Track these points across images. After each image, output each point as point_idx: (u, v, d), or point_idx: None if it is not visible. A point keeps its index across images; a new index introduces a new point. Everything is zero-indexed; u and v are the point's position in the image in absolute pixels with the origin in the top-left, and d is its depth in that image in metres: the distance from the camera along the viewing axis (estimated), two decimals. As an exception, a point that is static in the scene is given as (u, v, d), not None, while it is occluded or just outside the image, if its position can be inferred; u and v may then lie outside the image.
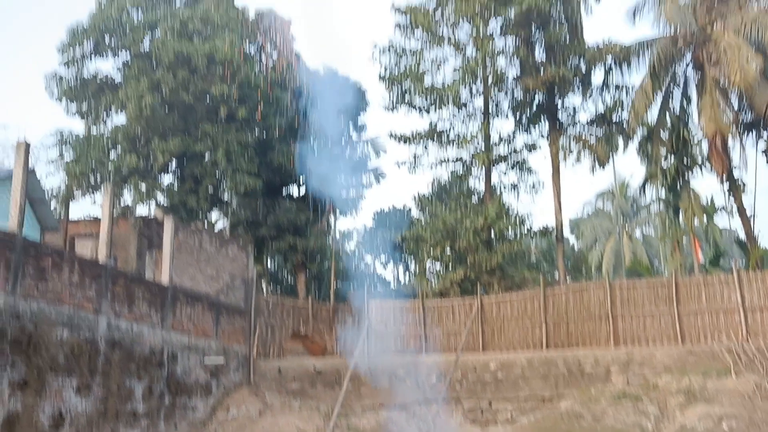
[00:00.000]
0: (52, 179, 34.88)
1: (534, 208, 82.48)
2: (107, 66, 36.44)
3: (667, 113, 30.41)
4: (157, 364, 17.53)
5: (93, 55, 35.56)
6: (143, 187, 33.52)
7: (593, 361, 22.14)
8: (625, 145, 32.80)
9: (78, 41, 34.87)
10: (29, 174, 16.34)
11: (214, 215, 38.14)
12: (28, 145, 15.22)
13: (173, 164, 35.20)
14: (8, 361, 12.38)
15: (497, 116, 33.73)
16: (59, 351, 13.77)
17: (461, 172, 34.01)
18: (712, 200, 33.68)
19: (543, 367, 22.70)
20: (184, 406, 18.71)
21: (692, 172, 30.68)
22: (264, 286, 39.05)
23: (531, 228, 31.87)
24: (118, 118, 35.61)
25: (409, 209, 42.93)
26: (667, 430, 18.21)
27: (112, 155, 34.15)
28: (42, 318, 13.37)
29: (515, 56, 32.60)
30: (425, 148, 33.81)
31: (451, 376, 23.12)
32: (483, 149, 32.43)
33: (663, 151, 30.67)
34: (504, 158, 33.42)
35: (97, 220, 31.42)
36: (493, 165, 33.01)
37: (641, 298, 23.56)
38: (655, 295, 23.37)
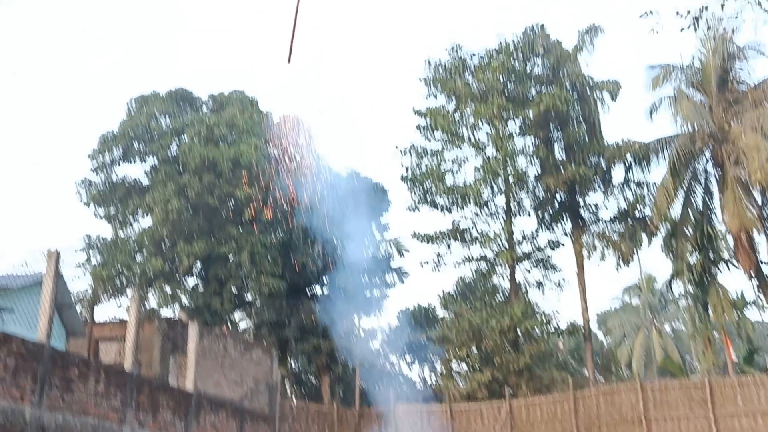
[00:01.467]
0: (79, 283, 35.24)
1: (560, 305, 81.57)
2: (135, 170, 37.54)
3: (690, 209, 30.30)
4: (180, 476, 17.17)
5: (122, 161, 36.57)
6: (168, 289, 33.75)
7: (628, 468, 21.38)
8: (650, 241, 32.63)
9: (108, 148, 35.95)
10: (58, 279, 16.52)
11: (238, 315, 38.15)
12: (58, 255, 15.47)
13: (198, 266, 35.49)
14: (32, 477, 12.21)
15: (519, 214, 33.87)
16: (83, 464, 13.57)
17: (485, 271, 33.90)
18: (742, 295, 33.12)
19: (576, 474, 21.93)
20: None
21: (719, 268, 30.29)
22: (288, 389, 38.54)
23: (558, 326, 31.42)
24: (145, 222, 36.28)
25: (434, 308, 42.64)
26: None
27: (138, 258, 34.57)
28: (67, 430, 13.24)
29: (535, 155, 33.02)
30: (448, 247, 33.82)
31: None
32: (506, 247, 32.40)
33: (688, 246, 30.40)
34: (528, 256, 33.32)
35: (122, 323, 31.49)
36: (517, 263, 32.88)
37: (675, 400, 22.89)
38: (689, 396, 22.71)
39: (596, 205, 33.51)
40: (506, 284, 33.54)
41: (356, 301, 35.16)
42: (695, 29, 18.84)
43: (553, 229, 33.91)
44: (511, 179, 32.61)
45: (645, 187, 32.45)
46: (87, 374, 14.24)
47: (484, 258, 33.57)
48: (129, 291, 33.09)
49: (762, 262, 28.75)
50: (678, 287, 33.89)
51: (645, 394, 23.34)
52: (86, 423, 13.87)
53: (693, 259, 30.31)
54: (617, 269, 32.48)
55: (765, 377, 21.85)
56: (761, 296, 29.75)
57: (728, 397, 22.10)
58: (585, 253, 32.53)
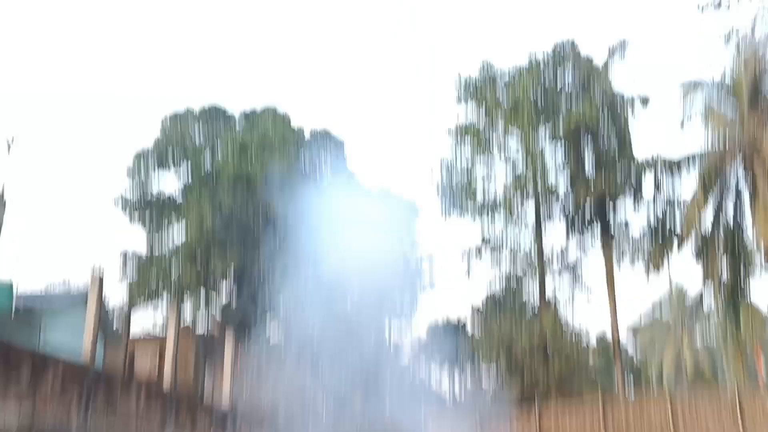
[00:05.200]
0: (115, 297, 35.89)
1: (590, 319, 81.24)
2: (170, 185, 37.97)
3: (721, 223, 30.20)
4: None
5: (157, 168, 36.88)
6: (203, 297, 34.11)
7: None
8: (680, 250, 32.22)
9: (144, 165, 36.50)
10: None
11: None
12: (101, 280, 16.09)
13: (230, 280, 35.95)
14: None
15: (549, 218, 33.81)
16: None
17: (515, 285, 33.97)
18: (774, 309, 32.84)
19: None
20: None
21: (750, 281, 30.09)
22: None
23: (588, 343, 31.41)
24: (179, 236, 36.80)
25: (464, 324, 42.72)
26: None
27: (173, 273, 35.07)
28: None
29: (565, 166, 33.06)
30: (478, 252, 33.88)
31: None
32: (537, 255, 32.60)
33: (719, 260, 30.22)
34: (558, 267, 33.36)
35: (155, 339, 32.45)
36: (547, 273, 32.95)
37: (704, 412, 23.03)
38: (718, 409, 22.81)
39: (626, 224, 33.34)
40: (536, 298, 33.53)
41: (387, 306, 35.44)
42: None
43: (583, 233, 33.74)
44: (540, 190, 32.64)
45: (675, 203, 32.26)
46: (129, 394, 14.75)
47: (513, 270, 33.73)
48: (165, 295, 33.31)
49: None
50: (709, 301, 33.67)
51: (674, 406, 23.50)
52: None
53: (723, 270, 30.17)
54: (647, 275, 31.92)
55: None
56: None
57: (758, 410, 22.13)
58: (615, 260, 32.27)
